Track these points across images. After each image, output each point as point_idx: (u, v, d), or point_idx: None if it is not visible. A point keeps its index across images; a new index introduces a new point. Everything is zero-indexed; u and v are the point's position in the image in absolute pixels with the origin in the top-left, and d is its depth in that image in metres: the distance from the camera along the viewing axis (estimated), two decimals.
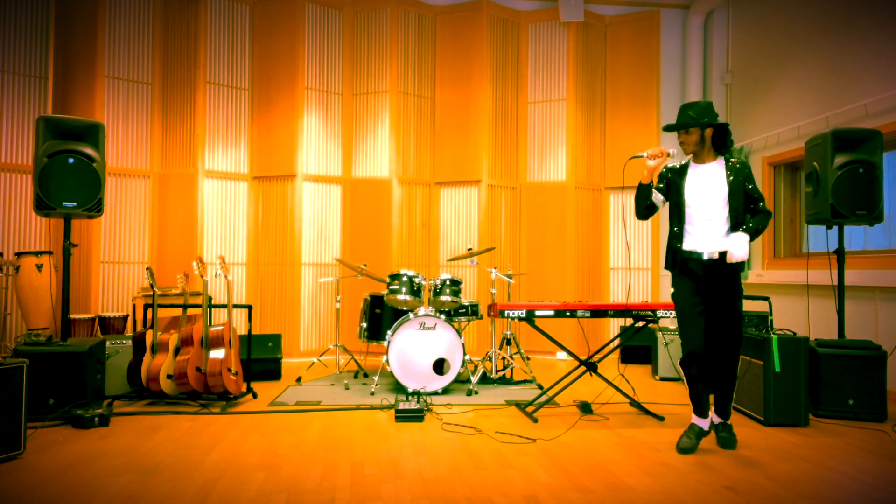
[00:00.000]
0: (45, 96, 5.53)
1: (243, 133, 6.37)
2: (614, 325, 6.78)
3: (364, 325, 5.13)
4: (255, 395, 4.43)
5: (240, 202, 6.33)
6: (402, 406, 3.87)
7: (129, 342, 4.45)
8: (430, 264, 6.71)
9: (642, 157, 3.26)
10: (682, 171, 3.32)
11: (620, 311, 4.02)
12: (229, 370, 4.17)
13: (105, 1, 5.80)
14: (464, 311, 5.09)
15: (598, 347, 5.12)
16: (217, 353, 4.17)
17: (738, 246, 3.12)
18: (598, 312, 4.02)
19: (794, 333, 3.88)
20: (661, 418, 3.93)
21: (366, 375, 5.34)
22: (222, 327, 4.25)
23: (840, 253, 4.24)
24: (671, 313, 3.97)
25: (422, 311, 4.62)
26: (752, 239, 3.18)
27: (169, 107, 6.13)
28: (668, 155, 3.20)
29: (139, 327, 5.22)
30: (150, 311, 4.58)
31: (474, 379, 4.77)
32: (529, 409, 4.07)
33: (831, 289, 4.53)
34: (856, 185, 4.04)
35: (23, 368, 3.04)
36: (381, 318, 5.09)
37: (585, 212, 6.79)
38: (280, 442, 3.32)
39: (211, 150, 6.18)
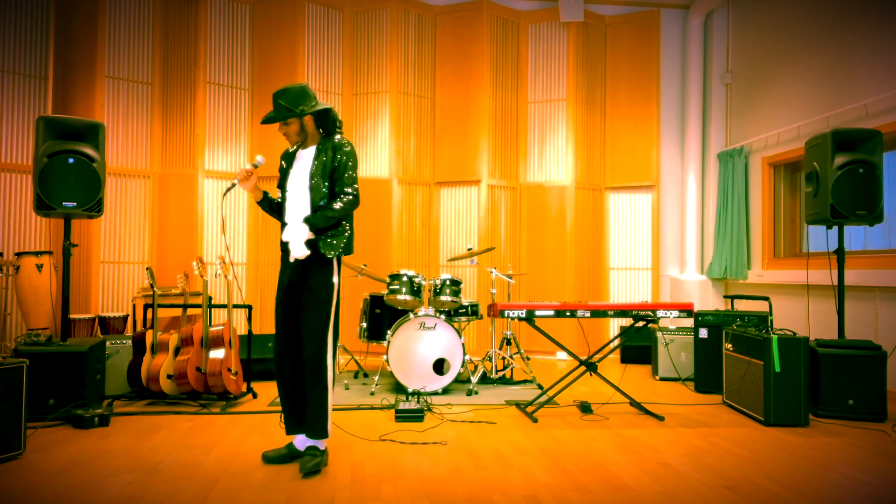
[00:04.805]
0: (45, 96, 5.53)
1: (243, 133, 6.37)
2: (614, 325, 6.78)
3: (364, 325, 5.13)
4: (255, 395, 4.43)
5: (240, 202, 6.33)
6: (402, 406, 3.87)
7: (129, 342, 4.45)
8: (430, 264, 6.71)
9: (235, 185, 2.97)
10: (292, 156, 3.05)
11: (620, 311, 4.02)
12: (229, 370, 4.17)
13: (105, 1, 5.80)
14: (464, 311, 5.09)
15: (598, 347, 5.12)
16: (217, 353, 4.17)
17: (292, 235, 2.82)
18: (598, 312, 4.02)
19: (794, 333, 3.88)
20: (661, 418, 3.93)
21: (366, 375, 5.34)
22: (222, 327, 4.25)
23: (840, 253, 4.24)
24: (671, 313, 3.97)
25: (422, 311, 4.62)
26: (316, 227, 2.85)
27: (169, 107, 6.13)
28: (255, 166, 2.96)
29: (139, 327, 5.22)
30: (150, 311, 4.58)
31: (474, 379, 4.77)
32: (529, 409, 4.08)
33: (831, 289, 4.53)
34: (856, 185, 4.04)
35: (23, 368, 3.04)
36: (381, 318, 5.09)
37: (585, 212, 6.79)
38: (280, 442, 3.32)
39: (211, 150, 6.18)
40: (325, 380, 2.92)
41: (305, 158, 3.01)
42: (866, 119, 4.81)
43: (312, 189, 2.92)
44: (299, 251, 2.85)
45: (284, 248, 2.97)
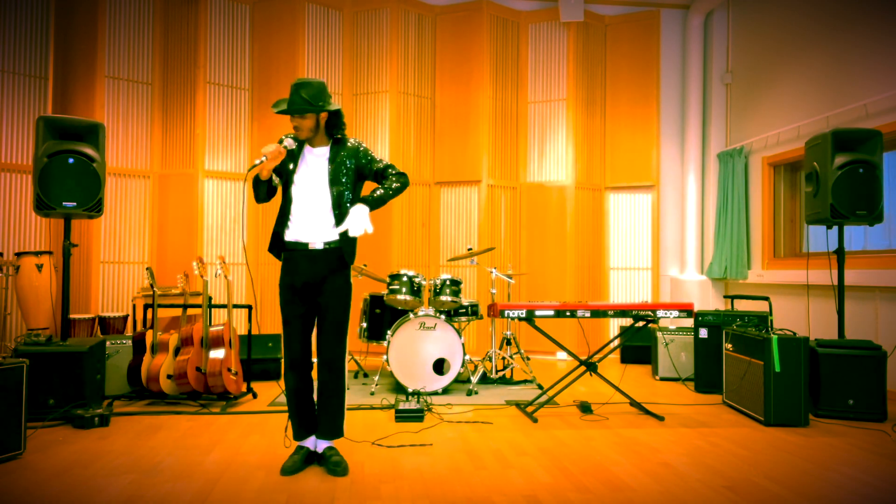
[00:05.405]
0: (45, 96, 5.53)
1: (243, 133, 6.37)
2: (614, 325, 6.78)
3: (364, 324, 5.13)
4: (255, 395, 4.43)
5: (240, 202, 6.33)
6: (402, 406, 3.87)
7: (129, 342, 4.45)
8: (430, 264, 6.71)
9: (263, 161, 2.85)
10: (296, 152, 3.00)
11: (620, 311, 4.02)
12: (229, 370, 4.17)
13: (105, 1, 5.80)
14: (464, 311, 5.09)
15: (598, 347, 5.12)
16: (217, 353, 4.17)
17: (355, 219, 2.80)
18: (598, 312, 4.02)
19: (794, 333, 3.88)
20: (661, 418, 3.93)
21: (366, 375, 5.34)
22: (222, 327, 4.25)
23: (840, 253, 4.24)
24: (671, 313, 3.97)
25: (422, 311, 4.62)
26: (377, 205, 2.89)
27: (169, 107, 6.13)
28: (286, 148, 2.93)
29: (139, 327, 5.22)
30: (150, 311, 4.58)
31: (474, 379, 4.77)
32: (529, 409, 4.08)
33: (831, 289, 4.53)
34: (856, 185, 4.04)
35: (23, 368, 3.04)
36: (381, 318, 5.09)
37: (585, 212, 6.79)
38: (280, 442, 3.32)
39: (211, 150, 6.18)
40: (343, 382, 2.95)
41: (319, 157, 2.97)
42: (866, 119, 4.81)
43: (334, 195, 2.90)
44: (362, 229, 2.83)
45: (294, 247, 2.93)
